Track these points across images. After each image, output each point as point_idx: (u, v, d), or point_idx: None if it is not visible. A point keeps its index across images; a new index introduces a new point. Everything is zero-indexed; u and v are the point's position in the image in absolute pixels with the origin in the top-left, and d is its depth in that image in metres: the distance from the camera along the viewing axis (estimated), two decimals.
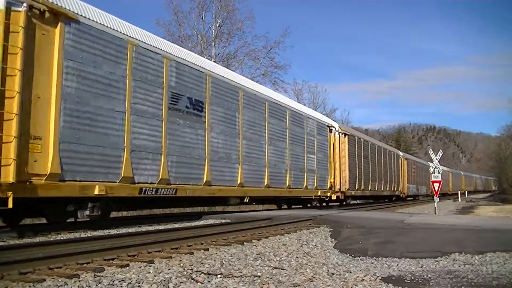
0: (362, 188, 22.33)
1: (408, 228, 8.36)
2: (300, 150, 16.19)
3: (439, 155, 19.06)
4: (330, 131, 19.29)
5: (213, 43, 28.91)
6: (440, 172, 18.32)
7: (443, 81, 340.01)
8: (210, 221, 10.42)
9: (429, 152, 20.30)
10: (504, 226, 8.56)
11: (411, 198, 37.08)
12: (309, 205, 18.00)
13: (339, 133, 19.83)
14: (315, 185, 17.21)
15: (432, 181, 18.14)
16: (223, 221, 10.31)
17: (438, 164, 18.48)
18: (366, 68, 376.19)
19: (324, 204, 19.36)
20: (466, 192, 49.58)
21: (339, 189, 19.20)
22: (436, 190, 17.76)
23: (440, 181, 17.92)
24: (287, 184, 14.99)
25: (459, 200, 36.85)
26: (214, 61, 26.09)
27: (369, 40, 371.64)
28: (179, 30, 28.56)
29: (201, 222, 10.28)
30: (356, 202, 26.82)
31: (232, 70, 19.40)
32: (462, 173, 67.67)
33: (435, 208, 17.55)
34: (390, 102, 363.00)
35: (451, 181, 53.09)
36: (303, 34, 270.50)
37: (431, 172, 18.27)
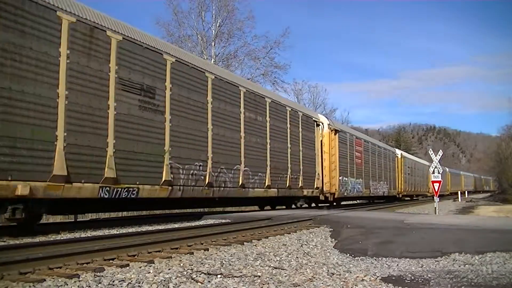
0: (146, 180, 8.98)
1: (408, 228, 8.35)
2: None
3: (439, 155, 19.07)
4: None
5: (213, 43, 28.92)
6: (441, 172, 18.35)
7: (443, 81, 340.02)
8: (210, 221, 10.42)
9: (429, 152, 20.32)
10: (504, 226, 8.56)
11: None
12: None
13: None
14: None
15: (432, 181, 18.15)
16: (223, 221, 10.30)
17: (438, 164, 18.49)
18: (367, 68, 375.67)
19: None
20: (466, 192, 49.31)
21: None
22: (436, 190, 17.78)
23: (440, 181, 17.94)
24: None
25: (459, 200, 36.92)
26: (214, 61, 26.09)
27: (370, 40, 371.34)
28: (179, 30, 28.61)
29: (201, 222, 10.28)
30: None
31: (232, 71, 19.32)
32: (447, 169, 52.20)
33: (435, 208, 17.58)
34: (391, 102, 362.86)
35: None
36: (303, 34, 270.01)
37: (431, 172, 18.30)
